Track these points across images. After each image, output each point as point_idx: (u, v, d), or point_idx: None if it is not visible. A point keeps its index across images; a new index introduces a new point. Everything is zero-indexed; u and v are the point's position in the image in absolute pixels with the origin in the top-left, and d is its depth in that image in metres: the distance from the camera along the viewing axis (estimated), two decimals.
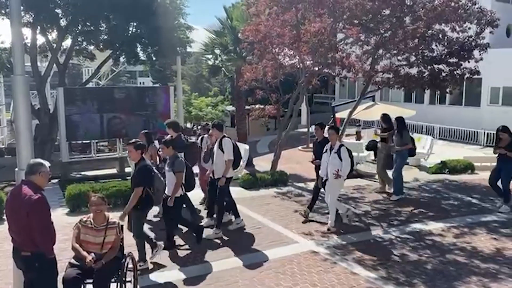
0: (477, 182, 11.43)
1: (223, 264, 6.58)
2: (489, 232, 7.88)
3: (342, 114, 17.43)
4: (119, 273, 5.00)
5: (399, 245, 7.29)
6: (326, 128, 8.48)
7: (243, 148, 13.23)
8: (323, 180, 8.12)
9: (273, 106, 13.62)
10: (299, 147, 20.38)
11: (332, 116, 25.12)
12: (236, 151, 7.75)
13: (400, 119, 10.23)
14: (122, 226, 5.32)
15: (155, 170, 6.57)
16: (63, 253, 5.69)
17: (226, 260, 6.72)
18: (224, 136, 7.73)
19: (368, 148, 12.24)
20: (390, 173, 10.46)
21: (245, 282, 5.99)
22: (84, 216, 5.24)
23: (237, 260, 6.70)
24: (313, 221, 8.48)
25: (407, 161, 11.01)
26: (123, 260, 5.14)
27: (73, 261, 4.99)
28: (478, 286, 5.87)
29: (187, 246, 7.24)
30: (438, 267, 6.44)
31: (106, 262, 4.91)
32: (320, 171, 8.20)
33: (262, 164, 14.88)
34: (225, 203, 7.95)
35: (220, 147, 7.62)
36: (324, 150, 8.01)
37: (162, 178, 6.61)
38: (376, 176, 12.61)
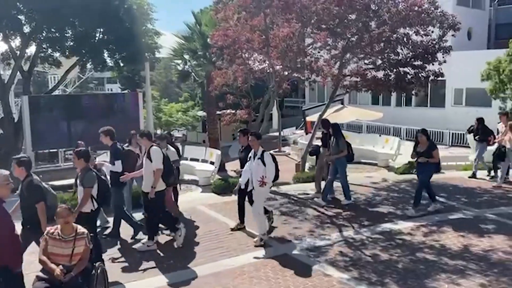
0: (443, 181, 11.74)
1: (197, 271, 6.53)
2: (456, 229, 8.10)
3: (313, 118, 17.66)
4: (89, 285, 4.89)
5: (371, 245, 7.41)
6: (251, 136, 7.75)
7: (215, 153, 13.22)
8: (241, 188, 7.75)
9: (244, 111, 13.66)
10: (271, 151, 20.44)
11: (303, 119, 25.46)
12: (167, 162, 7.30)
13: (335, 126, 9.93)
14: (91, 236, 5.21)
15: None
16: (30, 267, 5.51)
17: (200, 266, 6.67)
18: (152, 145, 7.30)
19: (311, 153, 11.39)
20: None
21: None
22: (51, 227, 5.10)
23: (211, 266, 6.67)
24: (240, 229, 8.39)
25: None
26: (93, 271, 5.03)
27: (40, 274, 4.85)
28: (447, 282, 6.02)
29: (160, 254, 7.15)
30: (408, 266, 6.58)
31: (75, 274, 4.80)
32: (240, 179, 7.79)
33: (235, 168, 14.88)
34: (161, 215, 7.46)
35: (149, 156, 7.18)
36: (248, 158, 7.59)
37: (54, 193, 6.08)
38: (347, 178, 12.82)
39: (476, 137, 12.12)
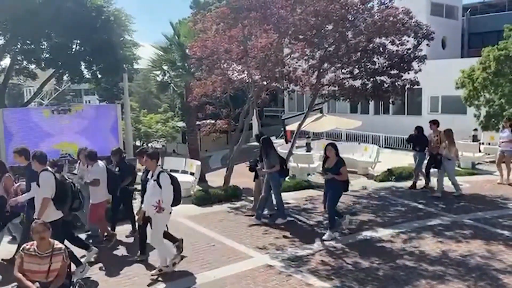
0: (422, 188, 11.90)
1: (177, 284, 6.45)
2: (435, 235, 8.21)
3: (292, 127, 17.75)
4: None
5: (352, 253, 7.44)
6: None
7: (195, 164, 13.14)
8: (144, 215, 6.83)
9: (223, 121, 13.64)
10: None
11: (282, 129, 25.57)
12: (62, 187, 6.38)
13: (265, 140, 9.35)
14: (69, 252, 5.10)
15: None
16: (5, 285, 5.36)
17: (180, 279, 6.59)
18: (43, 170, 6.33)
19: (250, 168, 10.16)
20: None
21: None
22: (27, 243, 4.98)
23: (192, 279, 6.59)
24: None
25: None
26: (71, 287, 4.92)
27: None
28: None
29: (140, 267, 7.03)
30: (389, 273, 6.63)
31: None
32: (143, 205, 6.93)
33: (215, 179, 14.81)
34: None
35: (37, 181, 6.30)
36: (146, 179, 6.80)
37: None
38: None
39: (416, 147, 11.95)
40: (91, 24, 16.66)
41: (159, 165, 6.84)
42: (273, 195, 9.38)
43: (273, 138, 24.84)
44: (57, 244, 4.94)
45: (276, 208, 9.47)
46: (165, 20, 64.32)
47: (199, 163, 13.16)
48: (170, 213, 6.81)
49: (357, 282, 6.35)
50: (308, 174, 14.82)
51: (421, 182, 12.06)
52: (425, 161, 11.79)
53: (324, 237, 8.10)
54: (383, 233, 8.44)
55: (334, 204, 8.31)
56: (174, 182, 6.63)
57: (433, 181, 11.65)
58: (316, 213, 9.95)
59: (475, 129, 17.09)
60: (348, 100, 13.36)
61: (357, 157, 15.72)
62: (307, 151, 17.92)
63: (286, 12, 10.35)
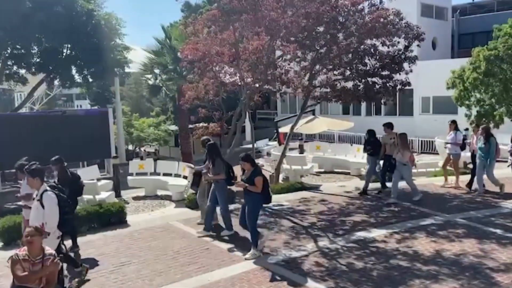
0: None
1: (172, 287, 6.42)
2: (428, 235, 8.24)
3: (285, 129, 17.79)
4: None
5: (346, 254, 7.45)
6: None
7: (188, 167, 13.09)
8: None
9: (216, 124, 13.62)
10: None
11: (275, 131, 25.61)
12: None
13: (212, 146, 8.80)
14: (60, 257, 5.05)
15: None
16: None
17: (176, 283, 6.56)
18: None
19: (194, 175, 9.64)
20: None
21: None
22: (18, 249, 4.93)
23: (187, 282, 6.56)
24: None
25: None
26: None
27: None
28: None
29: (135, 271, 6.99)
30: (383, 273, 6.64)
31: None
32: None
33: None
34: None
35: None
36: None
37: None
38: (321, 187, 12.96)
39: (368, 151, 11.69)
40: (82, 28, 16.57)
41: (48, 181, 6.28)
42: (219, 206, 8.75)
43: (266, 141, 25.03)
44: (48, 250, 4.89)
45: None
46: (156, 23, 64.27)
47: (192, 166, 13.11)
48: (59, 237, 5.95)
49: (351, 283, 6.35)
50: (301, 176, 14.84)
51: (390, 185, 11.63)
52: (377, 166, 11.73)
53: (246, 256, 7.36)
54: (376, 233, 8.45)
55: (254, 219, 7.54)
56: (62, 202, 5.88)
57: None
58: (310, 215, 9.96)
59: (466, 129, 17.21)
60: (340, 101, 13.42)
61: (350, 158, 15.79)
62: (300, 153, 17.96)
63: (277, 14, 10.37)
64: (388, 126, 11.65)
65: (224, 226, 8.73)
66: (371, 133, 11.74)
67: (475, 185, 11.39)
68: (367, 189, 11.64)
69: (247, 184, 7.33)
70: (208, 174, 8.74)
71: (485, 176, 11.13)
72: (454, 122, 12.12)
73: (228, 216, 8.73)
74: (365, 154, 14.61)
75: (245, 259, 7.33)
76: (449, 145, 12.14)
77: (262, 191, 7.33)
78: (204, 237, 8.53)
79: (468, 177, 11.96)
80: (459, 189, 11.76)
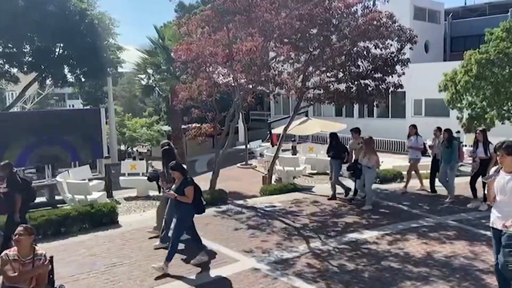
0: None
1: None
2: (419, 237, 8.29)
3: (278, 130, 17.80)
4: None
5: (337, 256, 7.47)
6: None
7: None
8: None
9: (209, 125, 13.61)
10: (238, 165, 20.47)
11: (268, 132, 25.63)
12: None
13: (167, 150, 8.32)
14: (51, 257, 5.02)
15: None
16: None
17: (167, 284, 6.53)
18: None
19: (149, 179, 9.16)
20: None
21: None
22: (10, 249, 4.89)
23: (178, 284, 6.54)
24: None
25: None
26: None
27: None
28: None
29: (123, 273, 6.96)
30: (374, 275, 6.66)
31: None
32: None
33: (201, 183, 14.59)
34: None
35: None
36: None
37: None
38: (314, 189, 12.98)
39: (330, 154, 11.42)
40: (75, 28, 16.49)
41: None
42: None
43: (259, 142, 25.05)
44: (39, 250, 4.86)
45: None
46: (150, 23, 64.10)
47: (184, 167, 13.08)
48: None
49: (342, 284, 6.36)
50: (294, 177, 14.86)
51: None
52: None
53: (153, 265, 6.90)
54: (368, 235, 8.49)
55: (180, 231, 7.06)
56: None
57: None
58: (302, 216, 9.97)
59: (458, 132, 17.34)
60: (333, 103, 13.47)
61: None
62: (293, 154, 17.98)
63: (271, 15, 10.40)
64: (356, 131, 11.42)
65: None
66: (333, 136, 11.56)
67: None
68: (335, 193, 11.41)
69: (176, 194, 6.91)
70: (164, 182, 8.16)
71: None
72: (414, 126, 12.02)
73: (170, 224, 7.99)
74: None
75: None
76: (410, 150, 12.06)
77: (193, 201, 6.95)
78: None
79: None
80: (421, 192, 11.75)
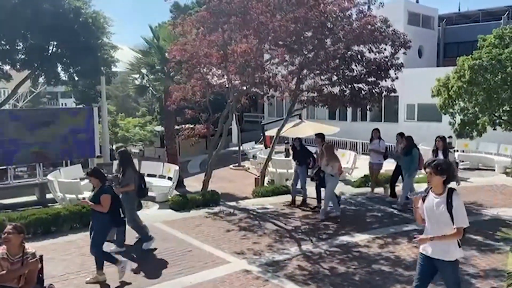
0: (397, 194, 12.03)
1: None
2: (410, 240, 8.31)
3: (272, 132, 17.82)
4: None
5: (328, 258, 7.48)
6: None
7: (173, 168, 13.04)
8: None
9: (202, 126, 13.58)
10: (231, 166, 20.46)
11: (262, 134, 25.65)
12: None
13: (123, 153, 8.06)
14: (41, 256, 4.98)
15: None
16: None
17: (157, 285, 6.51)
18: None
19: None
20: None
21: None
22: None
23: (168, 284, 6.51)
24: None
25: None
26: None
27: None
28: None
29: (116, 272, 6.92)
30: (365, 278, 6.68)
31: None
32: None
33: (194, 184, 14.74)
34: None
35: None
36: None
37: None
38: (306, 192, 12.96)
39: (296, 160, 11.04)
40: (69, 26, 16.37)
41: None
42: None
43: (252, 143, 25.06)
44: (28, 249, 4.82)
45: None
46: (144, 23, 63.99)
47: (177, 167, 13.08)
48: None
49: (333, 287, 6.38)
50: (287, 179, 14.87)
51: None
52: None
53: (87, 280, 6.53)
54: (359, 238, 8.51)
55: (99, 242, 6.49)
56: None
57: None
58: (294, 218, 9.98)
59: (450, 137, 17.44)
60: (326, 106, 13.51)
61: None
62: (286, 157, 17.98)
63: (266, 18, 10.41)
64: (318, 136, 10.97)
65: (141, 238, 8.09)
66: (298, 142, 11.19)
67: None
68: (306, 199, 11.11)
69: (90, 203, 6.40)
70: (117, 186, 7.80)
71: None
72: (377, 130, 11.82)
73: (143, 229, 8.06)
74: (350, 159, 14.67)
75: (86, 282, 6.47)
76: (372, 154, 11.79)
77: (109, 211, 6.43)
78: (186, 240, 8.48)
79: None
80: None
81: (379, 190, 12.01)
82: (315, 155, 10.91)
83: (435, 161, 4.63)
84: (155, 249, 7.91)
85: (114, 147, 23.78)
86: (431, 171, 4.55)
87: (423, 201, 4.73)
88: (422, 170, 9.71)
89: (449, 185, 4.66)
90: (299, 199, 11.23)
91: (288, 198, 11.93)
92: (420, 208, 4.80)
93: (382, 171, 12.06)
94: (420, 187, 9.77)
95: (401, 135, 11.18)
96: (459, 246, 4.65)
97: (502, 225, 8.89)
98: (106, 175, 8.03)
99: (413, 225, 9.30)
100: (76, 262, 7.34)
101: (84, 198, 6.46)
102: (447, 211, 4.52)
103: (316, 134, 11.16)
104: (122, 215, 6.71)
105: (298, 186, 11.19)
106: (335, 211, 10.06)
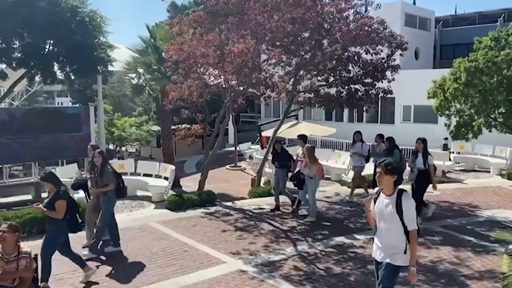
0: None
1: None
2: None
3: (268, 133, 17.81)
4: None
5: (324, 259, 7.49)
6: None
7: (169, 168, 13.01)
8: None
9: (199, 126, 13.58)
10: (227, 166, 20.45)
11: (258, 134, 25.64)
12: None
13: (103, 153, 7.70)
14: (36, 256, 4.96)
15: None
16: None
17: (153, 284, 6.49)
18: None
19: (74, 186, 8.28)
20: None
21: None
22: None
23: (164, 284, 6.50)
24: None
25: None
26: None
27: None
28: None
29: (111, 271, 6.90)
30: (360, 278, 6.70)
31: None
32: None
33: (190, 184, 14.72)
34: None
35: None
36: None
37: None
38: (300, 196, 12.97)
39: (276, 163, 10.80)
40: (66, 25, 16.29)
41: None
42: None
43: (248, 144, 25.05)
44: (23, 248, 4.80)
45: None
46: (141, 22, 63.92)
47: (173, 167, 13.04)
48: None
49: (329, 287, 6.38)
50: None
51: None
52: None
53: (80, 280, 6.50)
54: (355, 238, 8.53)
55: (49, 250, 6.12)
56: None
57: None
58: (290, 219, 9.99)
59: (446, 138, 17.51)
60: (323, 107, 13.54)
61: (331, 163, 15.88)
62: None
63: (263, 18, 10.42)
64: (300, 137, 10.75)
65: (111, 240, 7.82)
66: (278, 145, 10.94)
67: None
68: (279, 204, 10.81)
69: (44, 209, 6.04)
70: (93, 187, 7.63)
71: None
72: (359, 133, 11.76)
73: (103, 233, 7.69)
74: (347, 160, 14.65)
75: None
76: (354, 157, 11.71)
77: (65, 217, 6.10)
78: (182, 240, 8.47)
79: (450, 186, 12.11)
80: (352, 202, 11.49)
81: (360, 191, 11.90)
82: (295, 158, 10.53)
83: (385, 160, 4.47)
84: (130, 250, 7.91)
85: (110, 146, 23.72)
86: (381, 171, 4.39)
87: (375, 202, 4.54)
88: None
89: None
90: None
91: (284, 198, 11.93)
92: (372, 211, 4.60)
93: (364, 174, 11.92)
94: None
95: (380, 136, 11.14)
96: (405, 252, 4.47)
97: (497, 227, 8.96)
98: (84, 176, 8.04)
99: None
100: (71, 262, 7.30)
101: (38, 204, 6.10)
102: (396, 213, 4.35)
103: (298, 136, 10.99)
104: (79, 221, 6.40)
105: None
106: (311, 214, 9.80)
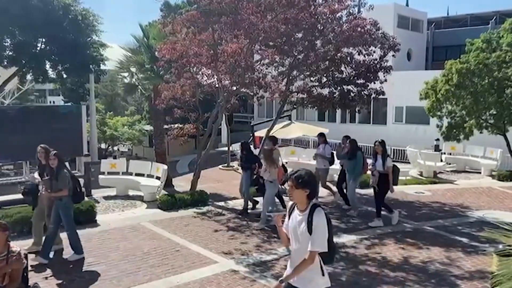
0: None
1: None
2: (397, 242, 8.39)
3: (261, 133, 17.84)
4: None
5: None
6: None
7: (161, 168, 12.97)
8: None
9: (192, 125, 13.55)
10: (220, 166, 20.41)
11: (251, 134, 25.64)
12: None
13: (59, 155, 7.18)
14: (26, 254, 4.92)
15: None
16: None
17: (144, 284, 6.47)
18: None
19: (24, 192, 7.97)
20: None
21: None
22: None
23: (156, 284, 6.48)
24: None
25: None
26: None
27: None
28: None
29: (102, 271, 6.86)
30: (351, 278, 6.72)
31: None
32: None
33: (182, 184, 14.67)
34: None
35: None
36: None
37: None
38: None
39: (239, 164, 10.56)
40: (58, 23, 16.23)
41: None
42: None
43: None
44: (13, 247, 4.76)
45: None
46: (134, 21, 63.68)
47: (165, 167, 12.99)
48: None
49: None
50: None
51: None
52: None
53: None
54: (346, 239, 8.56)
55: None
56: None
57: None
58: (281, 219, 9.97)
59: (437, 139, 17.62)
60: (316, 107, 13.56)
61: None
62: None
63: (256, 18, 10.42)
64: (270, 139, 10.47)
65: (72, 250, 7.43)
66: (244, 146, 10.68)
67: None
68: (248, 208, 10.58)
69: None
70: (47, 191, 7.21)
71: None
72: (322, 135, 11.65)
73: (76, 237, 7.42)
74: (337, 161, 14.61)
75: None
76: (317, 159, 11.48)
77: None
78: (173, 240, 8.45)
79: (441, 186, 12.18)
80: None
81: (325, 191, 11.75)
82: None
83: (296, 172, 3.79)
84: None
85: (102, 145, 23.61)
86: (291, 184, 3.76)
87: (289, 218, 3.96)
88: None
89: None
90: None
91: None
92: (283, 228, 4.05)
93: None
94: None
95: (346, 137, 10.94)
96: (323, 275, 3.91)
97: (487, 227, 9.02)
98: (37, 181, 7.64)
99: (400, 227, 9.39)
100: (61, 261, 7.26)
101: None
102: (307, 230, 3.76)
103: (268, 137, 10.69)
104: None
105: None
106: (261, 221, 9.45)
